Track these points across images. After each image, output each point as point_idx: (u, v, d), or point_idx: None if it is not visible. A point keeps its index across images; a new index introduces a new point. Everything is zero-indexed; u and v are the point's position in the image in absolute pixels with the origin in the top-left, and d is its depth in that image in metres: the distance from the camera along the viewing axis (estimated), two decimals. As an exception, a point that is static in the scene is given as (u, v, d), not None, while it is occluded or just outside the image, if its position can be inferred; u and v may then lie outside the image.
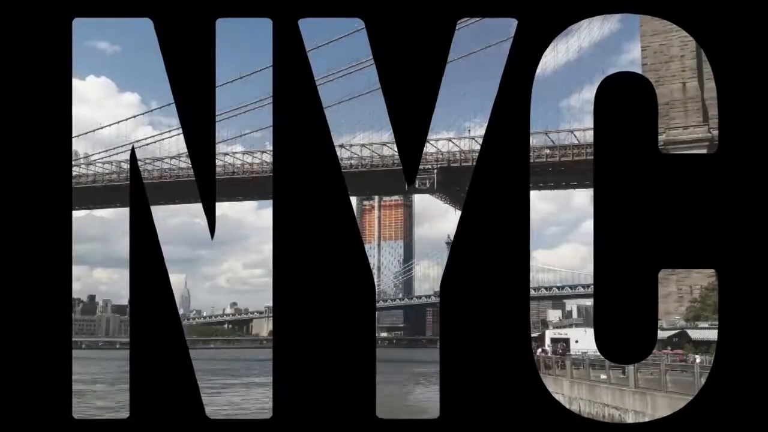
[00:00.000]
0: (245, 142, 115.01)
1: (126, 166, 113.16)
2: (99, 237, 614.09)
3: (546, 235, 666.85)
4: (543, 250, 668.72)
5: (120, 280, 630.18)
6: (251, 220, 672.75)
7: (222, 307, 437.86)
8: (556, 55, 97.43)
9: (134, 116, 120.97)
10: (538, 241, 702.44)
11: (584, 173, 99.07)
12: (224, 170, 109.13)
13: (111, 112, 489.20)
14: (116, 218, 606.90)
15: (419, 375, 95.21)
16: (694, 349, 41.35)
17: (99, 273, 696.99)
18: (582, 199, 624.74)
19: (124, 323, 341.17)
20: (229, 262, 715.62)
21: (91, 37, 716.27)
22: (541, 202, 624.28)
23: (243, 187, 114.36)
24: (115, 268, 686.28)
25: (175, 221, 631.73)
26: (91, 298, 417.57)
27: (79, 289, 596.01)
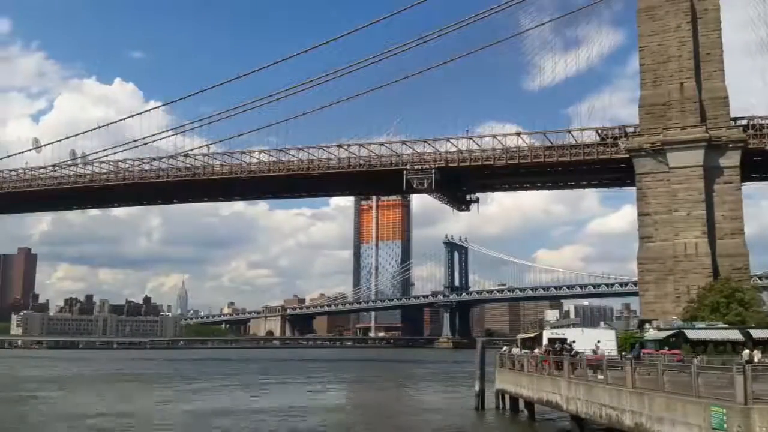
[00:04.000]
0: (243, 142, 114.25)
1: (123, 165, 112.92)
2: (107, 238, 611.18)
3: (552, 236, 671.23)
4: (546, 250, 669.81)
5: (124, 280, 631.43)
6: (262, 220, 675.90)
7: (219, 307, 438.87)
8: (566, 66, 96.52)
9: (132, 115, 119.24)
10: (544, 241, 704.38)
11: (583, 173, 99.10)
12: (222, 169, 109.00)
13: (136, 120, 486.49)
14: (129, 219, 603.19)
15: (418, 375, 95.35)
16: (691, 349, 41.33)
17: (104, 273, 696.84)
18: (591, 201, 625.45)
19: (122, 323, 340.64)
20: (236, 262, 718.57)
21: (127, 45, 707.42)
22: (554, 205, 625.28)
23: (242, 187, 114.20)
24: (120, 268, 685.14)
25: (186, 220, 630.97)
26: (89, 297, 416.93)
27: (82, 288, 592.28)
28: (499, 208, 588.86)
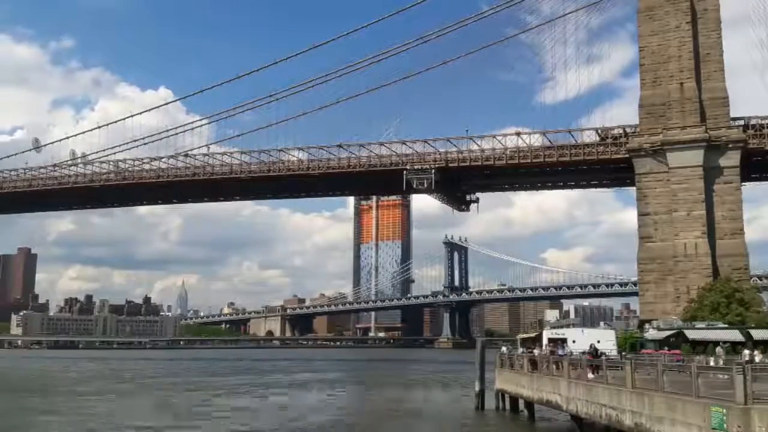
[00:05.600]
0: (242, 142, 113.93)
1: (123, 165, 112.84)
2: (124, 239, 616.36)
3: (565, 237, 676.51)
4: (556, 250, 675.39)
5: (135, 281, 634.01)
6: (280, 223, 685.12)
7: (220, 307, 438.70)
8: (579, 80, 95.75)
9: (130, 116, 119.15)
10: (555, 241, 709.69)
11: (583, 173, 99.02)
12: (222, 169, 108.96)
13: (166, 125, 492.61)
14: (147, 220, 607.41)
15: (418, 375, 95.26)
16: (691, 349, 41.33)
17: (118, 274, 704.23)
18: (610, 201, 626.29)
19: (122, 323, 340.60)
20: (249, 262, 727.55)
21: (182, 62, 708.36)
22: (575, 205, 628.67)
23: (242, 187, 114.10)
24: (133, 269, 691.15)
25: (204, 221, 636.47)
26: (89, 297, 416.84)
27: (97, 288, 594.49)
28: (519, 210, 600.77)
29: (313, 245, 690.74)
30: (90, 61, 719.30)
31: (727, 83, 79.51)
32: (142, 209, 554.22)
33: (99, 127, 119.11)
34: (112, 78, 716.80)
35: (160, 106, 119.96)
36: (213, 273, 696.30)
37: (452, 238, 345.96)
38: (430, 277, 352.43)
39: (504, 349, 48.30)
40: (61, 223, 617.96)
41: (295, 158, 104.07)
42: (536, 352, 42.06)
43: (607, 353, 37.18)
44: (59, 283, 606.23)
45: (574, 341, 42.76)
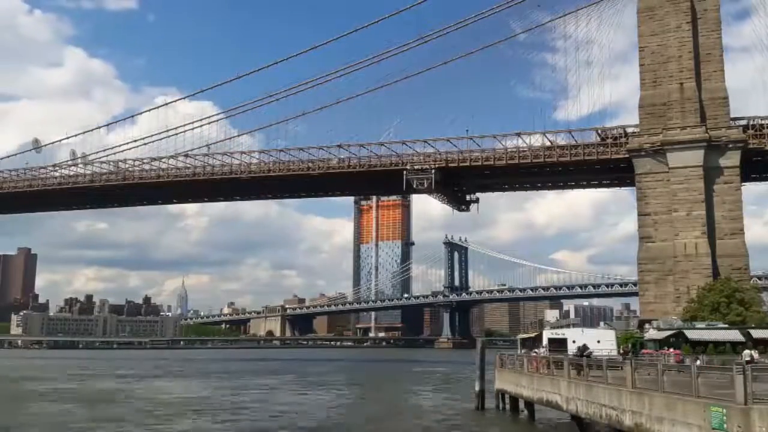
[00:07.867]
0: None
1: (123, 166, 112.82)
2: (144, 240, 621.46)
3: (579, 238, 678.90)
4: (567, 251, 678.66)
5: (150, 281, 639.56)
6: (295, 224, 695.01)
7: (220, 307, 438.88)
8: (604, 94, 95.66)
9: (130, 116, 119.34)
10: (568, 242, 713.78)
11: (583, 173, 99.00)
12: (223, 169, 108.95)
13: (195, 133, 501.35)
14: (181, 223, 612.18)
15: (418, 375, 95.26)
16: (691, 349, 41.35)
17: (136, 276, 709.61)
18: (628, 202, 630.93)
19: (122, 323, 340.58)
20: (264, 263, 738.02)
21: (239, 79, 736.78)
22: (602, 210, 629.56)
23: (242, 187, 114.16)
24: (153, 270, 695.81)
25: (226, 222, 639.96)
26: (89, 297, 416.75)
27: (114, 288, 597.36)
28: (543, 211, 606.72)
29: (330, 246, 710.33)
30: (159, 80, 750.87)
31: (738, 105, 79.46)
32: (173, 210, 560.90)
33: (99, 127, 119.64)
34: (176, 93, 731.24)
35: (159, 106, 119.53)
36: (231, 273, 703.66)
37: (452, 238, 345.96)
38: (440, 276, 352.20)
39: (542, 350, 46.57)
40: (89, 224, 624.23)
41: (296, 158, 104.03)
42: (539, 351, 42.01)
43: (594, 352, 37.23)
44: (75, 284, 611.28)
45: (574, 341, 42.75)
